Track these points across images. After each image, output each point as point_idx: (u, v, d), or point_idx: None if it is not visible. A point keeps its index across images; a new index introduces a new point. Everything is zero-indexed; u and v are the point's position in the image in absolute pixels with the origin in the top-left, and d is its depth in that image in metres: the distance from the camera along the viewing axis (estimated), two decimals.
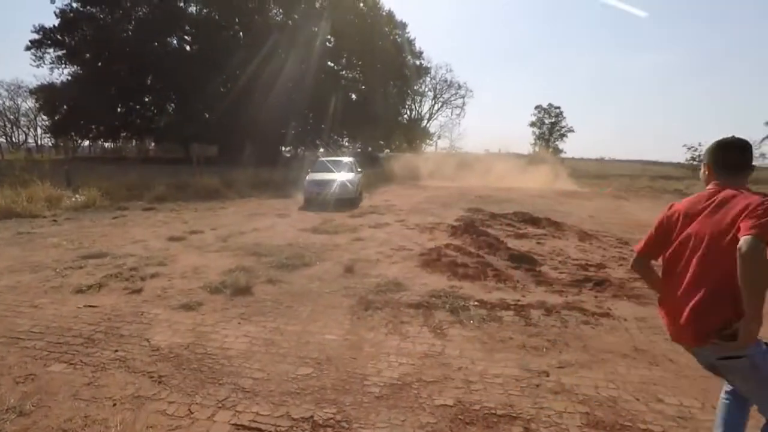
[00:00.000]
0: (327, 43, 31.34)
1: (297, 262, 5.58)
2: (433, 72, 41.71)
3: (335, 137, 33.25)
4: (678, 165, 52.79)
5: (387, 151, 35.41)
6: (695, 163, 47.97)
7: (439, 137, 45.88)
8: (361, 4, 32.61)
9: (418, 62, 37.23)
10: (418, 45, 37.70)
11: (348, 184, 12.03)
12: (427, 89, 41.88)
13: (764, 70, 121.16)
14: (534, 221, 9.09)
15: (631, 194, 19.52)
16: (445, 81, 42.71)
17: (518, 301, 4.29)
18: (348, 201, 11.78)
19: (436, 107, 43.57)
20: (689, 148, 48.06)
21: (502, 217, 9.75)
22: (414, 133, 38.95)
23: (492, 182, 24.30)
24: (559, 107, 63.45)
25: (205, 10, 28.52)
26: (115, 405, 2.59)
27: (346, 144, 35.03)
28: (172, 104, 30.52)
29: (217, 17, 28.18)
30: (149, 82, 28.78)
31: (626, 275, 5.26)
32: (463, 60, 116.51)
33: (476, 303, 4.24)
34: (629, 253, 6.52)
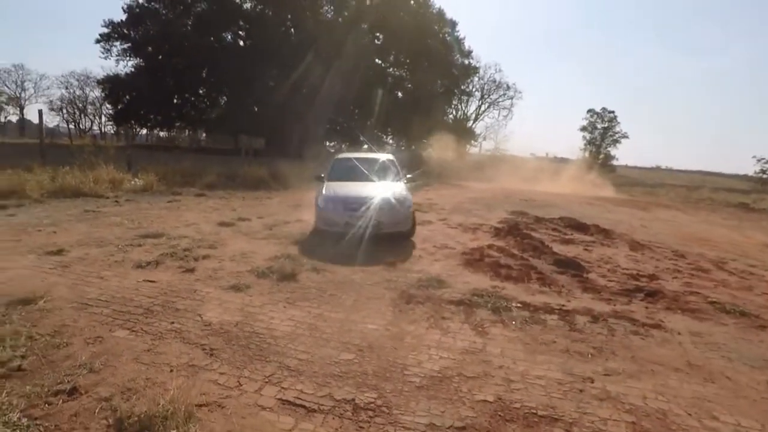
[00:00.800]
0: (376, 41, 31.55)
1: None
2: (481, 72, 41.10)
3: (379, 134, 33.42)
4: (744, 177, 49.33)
5: (430, 150, 35.18)
6: (765, 176, 44.41)
7: (484, 138, 45.18)
8: (412, 2, 32.55)
9: (466, 61, 36.73)
10: (468, 44, 37.14)
11: (397, 204, 6.59)
12: (474, 89, 41.32)
13: None
14: (581, 227, 8.79)
15: (689, 206, 18.46)
16: (494, 81, 41.99)
17: (563, 306, 4.19)
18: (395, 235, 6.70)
19: (483, 108, 42.96)
20: (759, 160, 44.44)
21: (548, 221, 9.50)
22: (459, 133, 38.48)
23: (537, 186, 23.67)
24: (613, 111, 60.82)
25: (259, 7, 29.38)
26: (172, 371, 2.76)
27: (390, 141, 35.17)
28: (224, 97, 31.69)
29: (270, 13, 28.96)
30: (204, 75, 30.02)
31: (681, 288, 5.01)
32: (512, 61, 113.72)
33: (519, 304, 4.18)
34: (685, 266, 6.20)
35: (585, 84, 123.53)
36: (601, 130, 63.42)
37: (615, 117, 60.68)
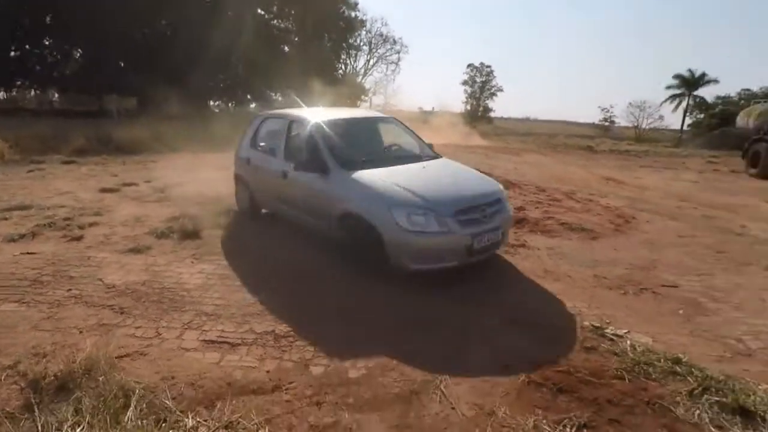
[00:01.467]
0: None
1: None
2: (368, 25, 40.70)
3: (267, 91, 31.87)
4: (592, 125, 57.69)
5: (322, 107, 34.71)
6: (607, 123, 53.29)
7: (374, 93, 45.48)
8: None
9: (353, 14, 36.11)
10: None
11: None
12: (362, 43, 40.94)
13: (676, 34, 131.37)
14: None
15: (549, 150, 21.09)
16: (381, 35, 41.88)
17: None
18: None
19: (371, 62, 42.90)
20: (603, 110, 53.51)
21: None
22: (350, 89, 38.30)
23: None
24: (489, 66, 64.81)
25: None
26: (81, 332, 2.76)
27: (279, 99, 33.77)
28: (79, 50, 27.31)
29: None
30: (48, 21, 25.37)
31: (541, 215, 6.01)
32: (397, 13, 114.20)
33: None
34: (544, 198, 7.34)
35: (469, 39, 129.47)
36: (480, 84, 67.40)
37: (492, 71, 64.84)
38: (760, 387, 2.31)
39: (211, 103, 30.47)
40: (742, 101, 42.93)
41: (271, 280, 3.57)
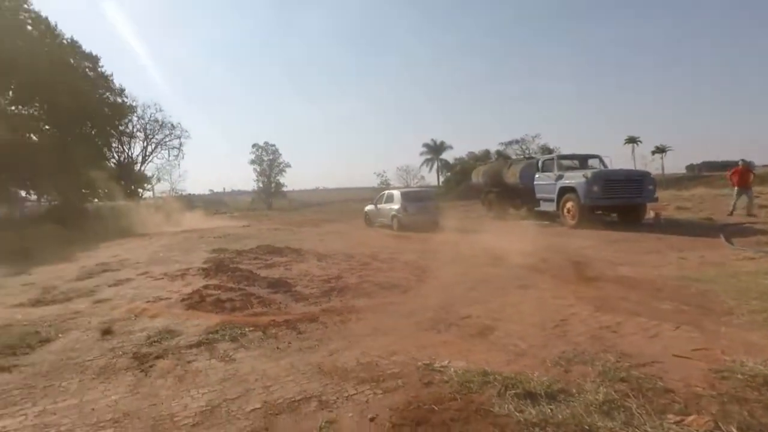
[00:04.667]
0: None
1: (30, 340, 4.74)
2: (140, 111, 38.01)
3: (14, 190, 26.06)
4: (373, 189, 66.37)
5: (95, 200, 30.09)
6: (384, 186, 63.40)
7: (159, 180, 41.95)
8: (30, 27, 27.11)
9: (119, 99, 33.34)
10: (118, 81, 33.73)
11: None
12: (136, 130, 37.78)
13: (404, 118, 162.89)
14: (277, 251, 10.12)
15: (347, 218, 23.30)
16: (156, 121, 39.55)
17: (287, 318, 5.10)
18: None
19: (149, 149, 39.77)
20: (378, 175, 63.60)
21: (248, 252, 10.38)
22: (128, 178, 34.48)
23: (222, 222, 24.36)
24: (274, 145, 67.94)
25: None
26: None
27: (33, 197, 27.90)
28: None
29: None
30: None
31: (357, 280, 6.83)
32: (173, 100, 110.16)
33: (251, 328, 4.81)
34: (355, 264, 8.30)
35: (250, 122, 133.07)
36: (268, 162, 69.62)
37: (277, 149, 68.01)
38: (534, 374, 3.36)
39: None
40: (470, 161, 56.54)
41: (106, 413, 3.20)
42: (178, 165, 44.79)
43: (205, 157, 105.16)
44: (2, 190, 25.15)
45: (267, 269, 8.11)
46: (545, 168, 13.77)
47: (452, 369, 3.54)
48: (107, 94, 32.43)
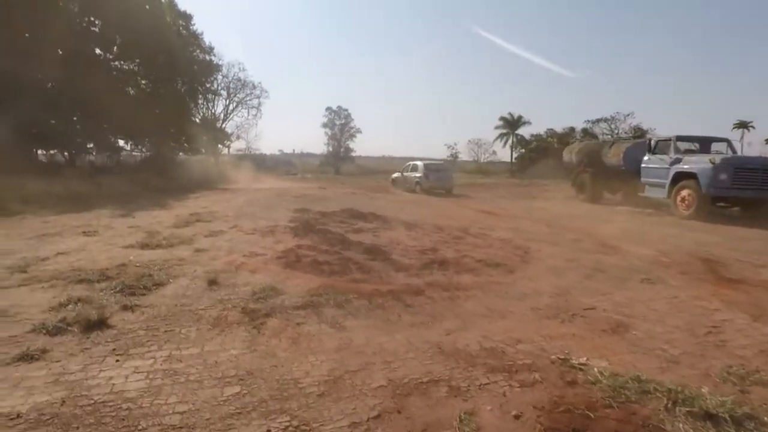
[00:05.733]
0: (92, 28, 26.36)
1: (146, 282, 4.90)
2: (225, 70, 39.55)
3: (111, 138, 28.28)
4: (442, 161, 65.10)
5: (181, 154, 32.04)
6: (454, 158, 61.70)
7: (238, 137, 43.86)
8: None
9: (208, 58, 34.70)
10: (208, 40, 35.13)
11: None
12: (220, 88, 39.43)
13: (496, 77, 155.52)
14: (362, 216, 9.96)
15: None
16: (239, 80, 41.04)
17: (390, 288, 4.85)
18: None
19: (231, 107, 41.50)
20: (448, 147, 61.59)
21: (332, 214, 10.33)
22: (211, 134, 36.28)
23: (296, 183, 24.91)
24: (347, 109, 68.19)
25: None
26: None
27: (129, 147, 30.21)
28: None
29: None
30: None
31: (455, 254, 6.45)
32: (256, 59, 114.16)
33: (355, 295, 4.61)
34: (447, 237, 7.91)
35: (326, 83, 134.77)
36: (340, 126, 70.27)
37: (349, 114, 68.26)
38: (703, 389, 2.82)
39: (41, 152, 25.76)
40: (548, 138, 53.15)
41: (229, 367, 3.12)
42: (256, 124, 46.28)
43: (275, 117, 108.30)
44: (104, 139, 27.36)
45: (355, 234, 7.95)
46: (658, 149, 12.26)
47: (595, 369, 3.08)
48: (197, 51, 33.84)
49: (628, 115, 42.76)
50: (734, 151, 11.95)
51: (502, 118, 59.70)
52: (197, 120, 36.86)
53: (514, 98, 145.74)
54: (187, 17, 33.06)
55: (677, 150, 11.60)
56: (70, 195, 12.89)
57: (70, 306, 4.15)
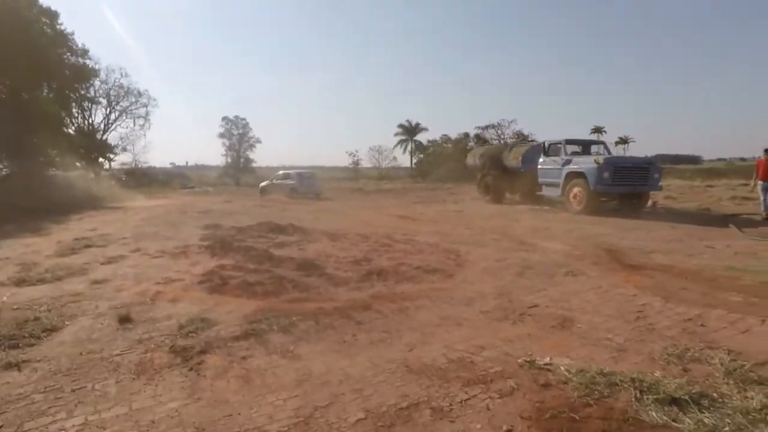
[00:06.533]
0: None
1: (32, 329, 3.96)
2: (104, 75, 35.20)
3: None
4: (344, 168, 65.34)
5: (53, 170, 27.74)
6: (356, 165, 62.79)
7: (123, 150, 39.24)
8: None
9: (81, 61, 30.69)
10: (80, 41, 30.96)
11: None
12: (99, 95, 35.02)
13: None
14: (281, 229, 9.41)
15: (327, 195, 22.56)
16: (121, 87, 36.85)
17: (335, 306, 4.53)
18: None
19: (113, 117, 37.05)
20: (350, 154, 62.68)
21: (248, 229, 9.60)
22: (90, 147, 32.04)
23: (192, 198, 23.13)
24: (245, 119, 65.24)
25: None
26: None
27: None
28: None
29: None
30: None
31: (390, 263, 6.32)
32: (142, 66, 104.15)
33: (299, 317, 4.23)
34: (376, 245, 7.77)
35: (221, 94, 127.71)
36: (238, 136, 67.09)
37: (247, 123, 65.38)
38: (656, 374, 3.00)
39: None
40: (444, 143, 56.33)
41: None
42: (144, 135, 41.98)
43: (166, 128, 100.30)
44: None
45: (280, 249, 7.44)
46: (551, 152, 13.54)
47: (561, 367, 3.13)
48: (67, 54, 29.76)
49: (512, 121, 47.11)
50: (609, 153, 13.66)
51: (401, 125, 62.10)
52: (71, 131, 32.39)
53: (411, 107, 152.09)
54: (52, 15, 28.86)
55: (566, 152, 12.95)
56: None
57: None
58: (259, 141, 67.37)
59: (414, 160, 60.77)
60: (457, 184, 26.16)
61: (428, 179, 37.99)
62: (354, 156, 63.73)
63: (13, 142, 23.43)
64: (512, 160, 15.59)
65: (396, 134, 62.21)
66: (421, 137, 61.85)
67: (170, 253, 7.44)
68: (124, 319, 4.21)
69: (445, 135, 57.49)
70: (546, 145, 13.90)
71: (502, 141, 37.32)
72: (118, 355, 3.51)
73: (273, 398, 2.82)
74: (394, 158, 64.55)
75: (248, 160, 67.17)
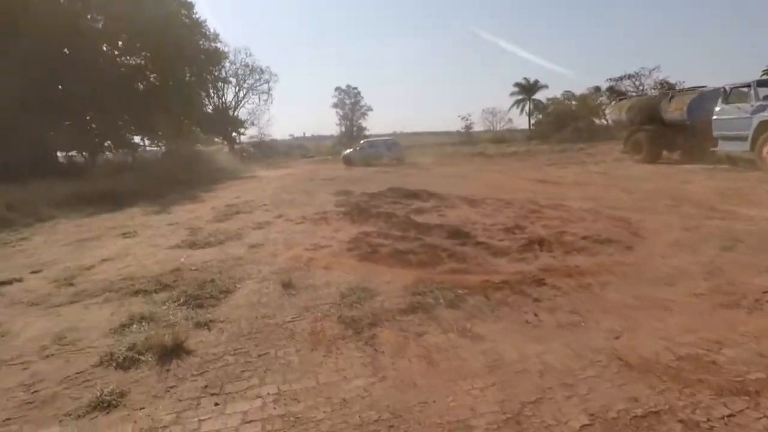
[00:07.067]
0: (96, 24, 25.52)
1: (211, 290, 4.18)
2: (232, 56, 38.40)
3: (128, 135, 27.73)
4: (452, 133, 63.30)
5: (198, 145, 31.37)
6: (469, 129, 60.51)
7: (252, 124, 42.90)
8: None
9: (214, 45, 33.63)
10: (212, 27, 34.04)
11: None
12: (228, 75, 38.40)
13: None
14: (414, 195, 9.13)
15: (452, 160, 21.85)
16: (247, 66, 39.87)
17: (504, 279, 4.02)
18: None
19: (241, 94, 40.49)
20: (462, 118, 60.09)
21: (380, 195, 9.51)
22: (224, 123, 35.53)
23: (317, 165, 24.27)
24: (356, 88, 66.69)
25: None
26: None
27: (146, 143, 29.66)
28: None
29: None
30: None
31: (548, 231, 5.59)
32: (261, 44, 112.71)
33: (464, 290, 3.82)
34: (523, 211, 7.03)
35: (334, 64, 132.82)
36: (350, 105, 68.98)
37: (359, 92, 66.79)
38: None
39: (59, 154, 25.37)
40: (566, 101, 51.19)
41: (358, 405, 2.38)
42: (268, 109, 45.24)
43: (284, 101, 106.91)
44: (120, 136, 26.81)
45: (419, 215, 7.13)
46: (733, 98, 10.99)
47: None
48: (202, 40, 32.78)
49: (654, 69, 40.27)
50: None
51: (518, 84, 57.67)
52: (209, 110, 36.10)
53: (526, 64, 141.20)
54: (188, 5, 31.78)
55: (757, 97, 10.35)
56: (97, 195, 12.29)
57: (134, 326, 3.46)
58: (370, 109, 68.62)
59: (532, 121, 56.56)
60: (589, 144, 23.46)
61: (551, 140, 34.86)
62: (467, 120, 61.36)
63: (168, 123, 26.79)
64: (674, 111, 13.12)
65: (512, 94, 58.07)
66: (540, 96, 57.05)
67: (311, 219, 7.61)
68: (287, 285, 4.24)
69: (568, 91, 52.24)
70: (727, 89, 11.25)
71: (641, 92, 32.31)
72: (290, 321, 3.47)
73: (467, 386, 2.45)
74: (510, 120, 60.78)
75: (361, 129, 68.93)
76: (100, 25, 26.16)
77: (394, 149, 24.36)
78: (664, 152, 13.93)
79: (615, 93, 36.66)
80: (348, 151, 26.52)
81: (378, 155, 23.82)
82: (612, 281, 3.87)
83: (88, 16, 25.32)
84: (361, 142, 27.05)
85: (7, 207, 9.03)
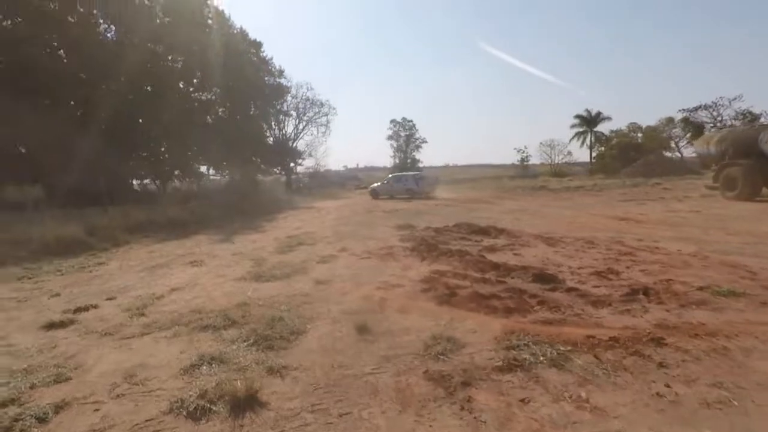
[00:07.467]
0: (175, 64, 27.74)
1: (281, 330, 3.92)
2: (294, 91, 40.34)
3: (194, 164, 29.46)
4: (511, 165, 62.01)
5: (259, 175, 32.72)
6: (525, 162, 59.19)
7: (309, 155, 44.39)
8: (209, 21, 29.83)
9: (278, 81, 35.56)
10: (277, 64, 36.08)
11: None
12: (290, 108, 40.23)
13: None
14: (483, 231, 8.63)
15: (514, 195, 21.05)
16: (307, 99, 41.67)
17: (613, 336, 3.45)
18: None
19: (301, 126, 42.19)
20: (518, 150, 59.05)
21: (446, 230, 9.10)
22: (283, 154, 36.91)
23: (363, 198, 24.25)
24: (411, 120, 67.61)
25: (7, 21, 22.51)
26: None
27: (210, 172, 31.36)
28: None
29: (24, 29, 22.45)
30: None
31: (648, 278, 4.91)
32: (319, 78, 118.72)
33: (566, 346, 3.29)
34: (610, 253, 6.34)
35: (387, 97, 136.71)
36: (405, 138, 69.92)
37: (414, 125, 67.62)
38: None
39: (135, 182, 27.29)
40: (632, 133, 48.86)
41: None
42: (325, 141, 46.64)
43: (339, 133, 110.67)
44: (188, 166, 28.51)
45: (491, 253, 6.63)
46: None
47: None
48: (268, 76, 34.71)
49: (734, 99, 37.43)
50: None
51: (579, 116, 55.96)
52: (270, 141, 37.72)
53: (586, 97, 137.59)
54: (257, 45, 34.10)
55: None
56: (167, 222, 12.84)
57: (204, 368, 3.23)
58: (425, 141, 69.20)
59: (594, 154, 54.28)
60: (664, 179, 21.80)
61: (617, 174, 33.01)
62: (523, 152, 60.10)
63: (233, 154, 28.22)
64: None
65: (572, 126, 56.35)
66: (602, 128, 54.91)
67: (376, 254, 7.31)
68: (361, 329, 3.89)
69: (633, 123, 49.89)
70: None
71: (719, 124, 29.98)
72: (369, 373, 3.09)
73: None
74: (569, 153, 58.69)
75: (415, 161, 69.42)
76: (179, 65, 28.38)
77: (422, 183, 24.62)
78: (766, 189, 12.52)
79: (690, 125, 34.38)
80: (375, 184, 27.06)
81: (404, 189, 24.22)
82: (757, 347, 3.18)
83: (170, 57, 27.55)
84: (389, 176, 27.76)
85: (87, 232, 9.53)
